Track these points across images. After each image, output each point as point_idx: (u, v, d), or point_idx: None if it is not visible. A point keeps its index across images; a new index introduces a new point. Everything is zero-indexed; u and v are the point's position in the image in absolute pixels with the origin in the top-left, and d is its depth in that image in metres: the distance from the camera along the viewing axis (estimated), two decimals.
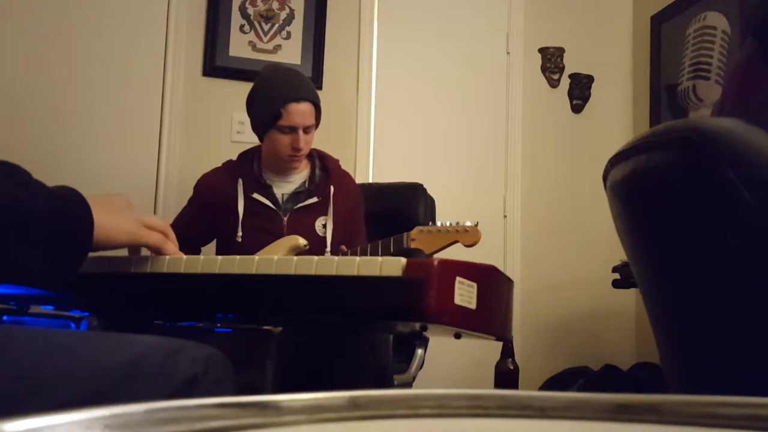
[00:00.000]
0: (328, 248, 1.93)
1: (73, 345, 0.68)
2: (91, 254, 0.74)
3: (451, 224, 1.77)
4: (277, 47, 2.87)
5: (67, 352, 0.66)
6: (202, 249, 2.16)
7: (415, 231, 1.79)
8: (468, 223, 1.76)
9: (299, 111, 1.88)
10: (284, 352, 0.97)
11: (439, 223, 1.80)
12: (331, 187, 1.99)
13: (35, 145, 2.48)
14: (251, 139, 2.64)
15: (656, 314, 1.00)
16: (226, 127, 2.79)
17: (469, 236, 1.75)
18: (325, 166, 2.04)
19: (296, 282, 0.74)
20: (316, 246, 1.90)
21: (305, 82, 1.98)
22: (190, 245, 1.98)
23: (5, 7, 2.56)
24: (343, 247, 1.89)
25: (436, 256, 2.13)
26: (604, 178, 1.03)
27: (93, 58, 2.64)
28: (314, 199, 1.97)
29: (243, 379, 0.92)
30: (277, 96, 1.90)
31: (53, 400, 0.60)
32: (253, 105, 1.98)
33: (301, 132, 1.89)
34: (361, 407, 0.34)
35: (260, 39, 2.85)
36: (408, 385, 1.98)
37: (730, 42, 2.83)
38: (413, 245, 1.77)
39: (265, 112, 1.92)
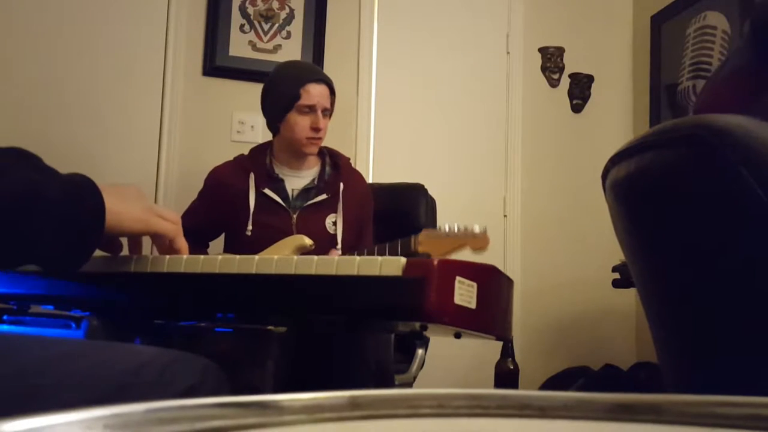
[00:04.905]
0: (339, 246, 1.93)
1: (75, 353, 0.68)
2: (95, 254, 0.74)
3: (459, 229, 1.74)
4: (277, 47, 2.87)
5: (69, 360, 0.66)
6: (210, 244, 2.17)
7: (422, 234, 1.77)
8: (476, 229, 1.73)
9: (318, 91, 1.92)
10: (285, 352, 0.97)
11: (447, 227, 1.77)
12: (341, 184, 1.99)
13: (35, 144, 2.47)
14: (251, 139, 2.63)
15: (655, 313, 0.99)
16: (226, 126, 2.78)
17: (477, 241, 1.74)
18: (335, 164, 2.05)
19: (296, 282, 0.74)
20: (326, 244, 1.90)
21: (320, 69, 2.09)
22: (198, 238, 1.98)
23: (6, 8, 2.56)
24: (334, 251, 1.89)
25: None
26: (603, 178, 1.02)
27: (93, 57, 2.64)
28: (324, 196, 1.97)
29: (243, 379, 0.92)
30: (296, 78, 1.94)
31: (54, 407, 0.60)
32: (269, 93, 2.00)
33: (319, 113, 1.92)
34: (361, 407, 0.34)
35: (260, 39, 2.85)
36: (408, 385, 1.98)
37: (730, 42, 2.83)
38: (420, 249, 1.76)
39: (284, 94, 1.94)
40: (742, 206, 0.75)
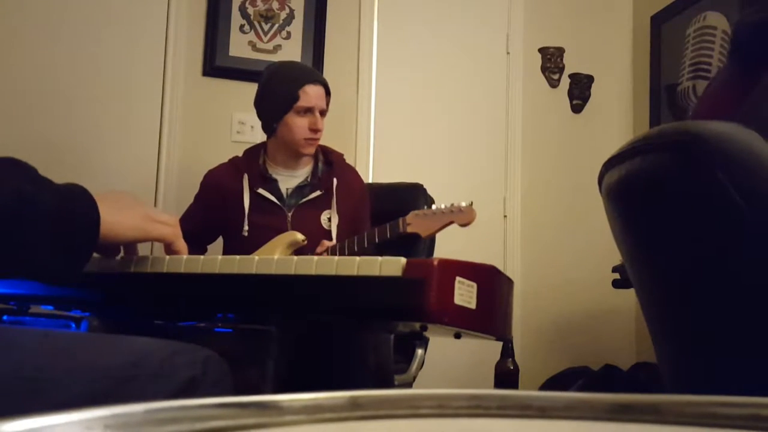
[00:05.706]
0: (334, 241, 1.93)
1: (74, 346, 0.68)
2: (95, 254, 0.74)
3: (445, 206, 1.77)
4: (277, 47, 2.86)
5: (68, 353, 0.66)
6: (209, 248, 2.17)
7: (410, 215, 1.79)
8: (462, 204, 1.76)
9: (316, 92, 1.94)
10: (285, 351, 0.97)
11: (434, 206, 1.80)
12: (335, 180, 2.00)
13: (35, 145, 2.48)
14: (251, 139, 2.63)
15: (653, 315, 1.00)
16: (226, 127, 2.78)
17: (464, 216, 1.76)
18: (328, 160, 2.06)
19: (296, 282, 0.74)
20: (322, 240, 1.90)
21: (315, 70, 2.10)
22: (196, 241, 1.98)
23: (6, 8, 2.56)
24: (326, 242, 1.88)
25: (433, 245, 2.14)
26: (600, 182, 1.04)
27: (93, 58, 2.64)
28: (318, 193, 1.98)
29: (243, 379, 0.92)
30: (293, 79, 1.95)
31: (53, 401, 0.60)
32: (265, 95, 2.00)
33: (317, 113, 1.94)
34: (361, 407, 0.34)
35: (260, 39, 2.85)
36: (408, 385, 1.98)
37: (729, 42, 2.83)
38: (409, 229, 1.77)
39: (281, 96, 1.95)
40: (720, 210, 0.77)
